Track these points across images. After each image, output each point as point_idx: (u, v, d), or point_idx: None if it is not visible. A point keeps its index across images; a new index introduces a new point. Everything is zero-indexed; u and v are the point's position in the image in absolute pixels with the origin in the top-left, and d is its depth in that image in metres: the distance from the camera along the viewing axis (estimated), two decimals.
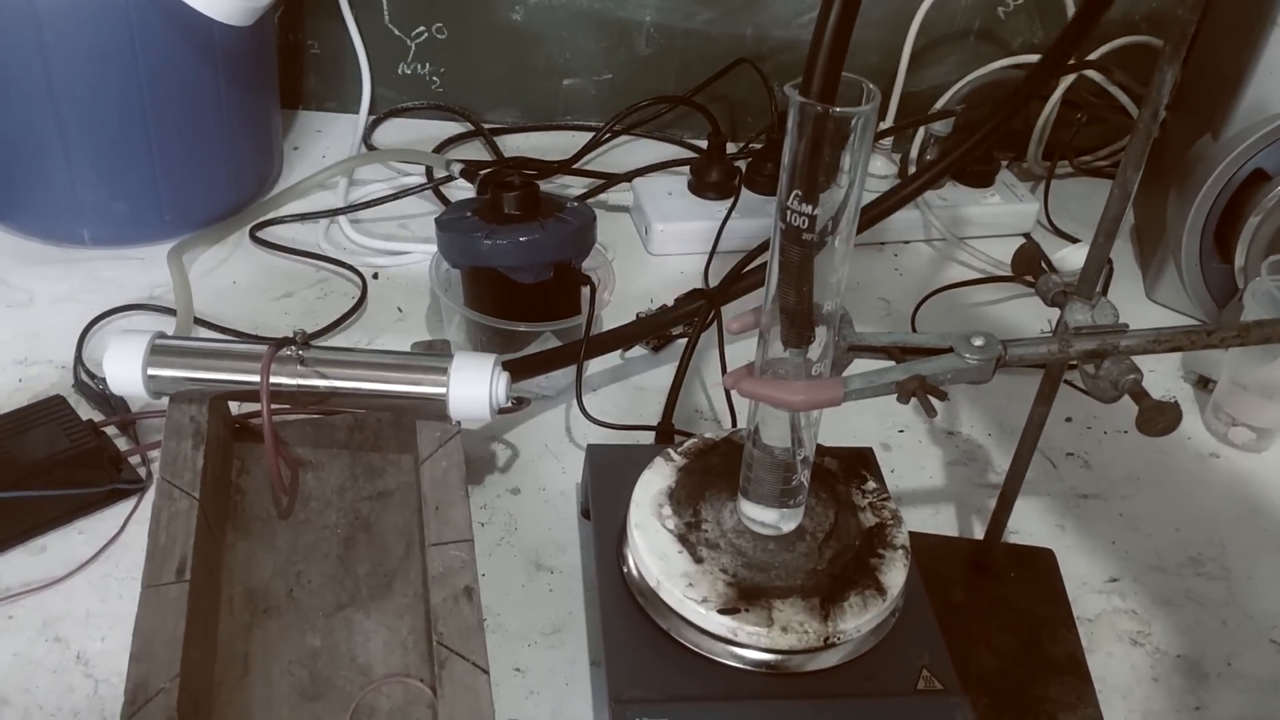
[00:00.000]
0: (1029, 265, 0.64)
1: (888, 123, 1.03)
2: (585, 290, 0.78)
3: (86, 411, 0.74)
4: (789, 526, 0.60)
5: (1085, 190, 1.13)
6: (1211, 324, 0.58)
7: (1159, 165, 1.05)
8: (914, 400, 0.54)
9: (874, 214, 0.84)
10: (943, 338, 0.56)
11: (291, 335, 0.64)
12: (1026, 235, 1.05)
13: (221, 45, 0.86)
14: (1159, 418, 0.54)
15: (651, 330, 0.82)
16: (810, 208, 0.47)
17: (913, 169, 1.04)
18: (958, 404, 0.85)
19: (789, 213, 0.48)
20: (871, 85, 0.46)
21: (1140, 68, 1.08)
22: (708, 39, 1.08)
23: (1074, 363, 0.57)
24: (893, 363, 0.56)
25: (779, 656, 0.56)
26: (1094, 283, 0.59)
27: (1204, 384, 0.89)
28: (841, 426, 0.81)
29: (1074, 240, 1.04)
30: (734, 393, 0.71)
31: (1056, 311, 0.59)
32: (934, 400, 0.54)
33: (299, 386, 0.64)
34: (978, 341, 0.55)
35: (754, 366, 0.55)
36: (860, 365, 0.55)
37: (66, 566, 0.65)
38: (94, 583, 0.65)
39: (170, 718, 0.50)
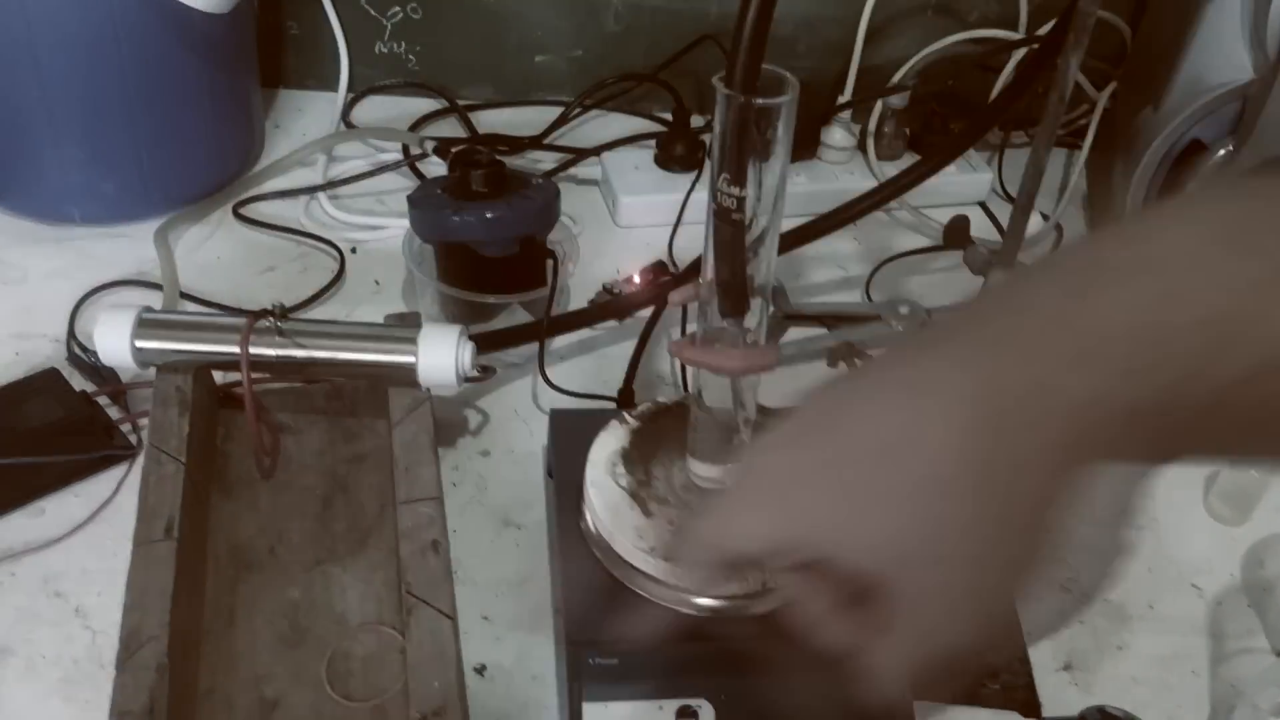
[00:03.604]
0: (959, 238, 0.68)
1: (846, 96, 1.07)
2: (550, 264, 0.82)
3: (80, 382, 0.78)
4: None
5: None
6: None
7: (1109, 135, 1.09)
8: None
9: (854, 213, 0.87)
10: (872, 306, 0.61)
11: (269, 308, 0.68)
12: (982, 204, 1.10)
13: (202, 31, 0.89)
14: None
15: (613, 313, 0.86)
16: (738, 189, 0.52)
17: (871, 140, 1.08)
18: None
19: (719, 194, 0.52)
20: (791, 77, 0.51)
21: (1094, 41, 1.12)
22: (674, 16, 1.11)
23: None
24: (825, 330, 0.61)
25: (721, 601, 0.61)
26: (1014, 253, 0.63)
27: None
28: (796, 388, 0.85)
29: None
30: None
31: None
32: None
33: (278, 356, 0.69)
34: (903, 309, 0.60)
35: (696, 335, 0.60)
36: (798, 333, 0.60)
37: (64, 527, 0.70)
38: (90, 542, 0.69)
39: (160, 662, 0.55)
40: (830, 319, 0.61)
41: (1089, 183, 1.13)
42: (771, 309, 0.60)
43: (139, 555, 0.60)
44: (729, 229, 0.53)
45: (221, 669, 0.61)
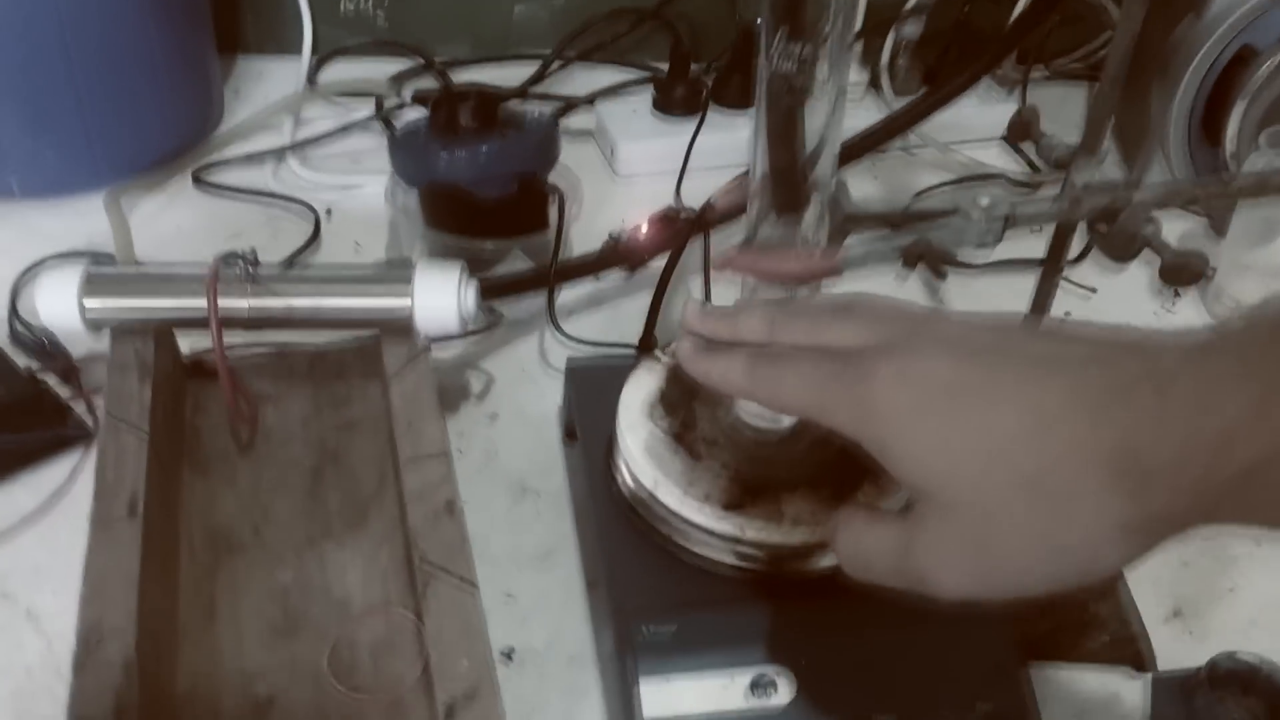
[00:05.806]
0: (1026, 131, 0.60)
1: (857, 26, 0.99)
2: (554, 205, 0.73)
3: (25, 363, 0.69)
4: (789, 421, 0.56)
5: (1060, 94, 1.09)
6: (1228, 175, 0.55)
7: (1136, 60, 1.01)
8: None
9: (869, 143, 0.79)
10: (946, 202, 0.52)
11: (238, 252, 0.59)
12: (1004, 138, 1.02)
13: None
14: (1185, 267, 0.50)
15: (629, 257, 0.77)
16: (799, 47, 0.43)
17: (885, 77, 1.00)
18: (952, 304, 0.82)
19: (774, 57, 0.44)
20: None
21: None
22: None
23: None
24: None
25: (791, 554, 0.52)
26: (1099, 137, 0.55)
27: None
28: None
29: None
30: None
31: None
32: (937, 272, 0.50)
33: (251, 309, 0.59)
34: (984, 201, 0.51)
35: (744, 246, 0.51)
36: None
37: (10, 520, 0.60)
38: (42, 537, 0.60)
39: (128, 659, 0.45)
40: (899, 218, 0.52)
41: (1117, 113, 1.05)
42: (831, 207, 0.51)
43: (98, 537, 0.50)
44: (787, 98, 0.44)
45: (203, 667, 0.51)
